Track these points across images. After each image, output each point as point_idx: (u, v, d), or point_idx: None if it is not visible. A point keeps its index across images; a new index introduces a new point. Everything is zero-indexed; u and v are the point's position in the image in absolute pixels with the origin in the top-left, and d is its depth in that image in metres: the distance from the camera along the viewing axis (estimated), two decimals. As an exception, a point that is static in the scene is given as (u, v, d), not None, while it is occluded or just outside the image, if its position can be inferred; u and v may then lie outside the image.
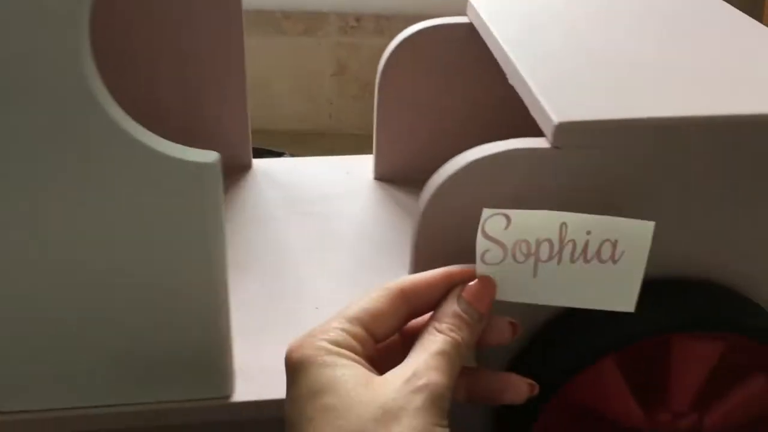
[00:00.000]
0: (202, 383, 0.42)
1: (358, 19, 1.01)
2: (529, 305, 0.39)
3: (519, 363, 0.46)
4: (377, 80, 0.61)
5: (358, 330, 0.35)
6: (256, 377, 0.45)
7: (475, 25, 0.56)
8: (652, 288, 0.44)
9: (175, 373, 0.42)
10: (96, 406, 0.42)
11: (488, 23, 0.53)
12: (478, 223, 0.39)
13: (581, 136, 0.40)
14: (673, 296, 0.45)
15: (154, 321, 0.40)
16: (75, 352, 0.40)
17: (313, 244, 0.57)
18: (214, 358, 0.42)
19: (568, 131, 0.40)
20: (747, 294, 0.47)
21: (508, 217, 0.37)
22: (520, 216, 0.37)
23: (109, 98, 0.34)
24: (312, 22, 1.01)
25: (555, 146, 0.40)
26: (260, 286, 0.52)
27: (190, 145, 0.47)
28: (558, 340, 0.45)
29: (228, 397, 0.43)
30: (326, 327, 0.34)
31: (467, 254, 0.39)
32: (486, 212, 0.38)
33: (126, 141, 0.34)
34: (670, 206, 0.43)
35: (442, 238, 0.42)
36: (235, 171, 0.66)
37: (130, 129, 0.34)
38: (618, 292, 0.39)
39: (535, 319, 0.45)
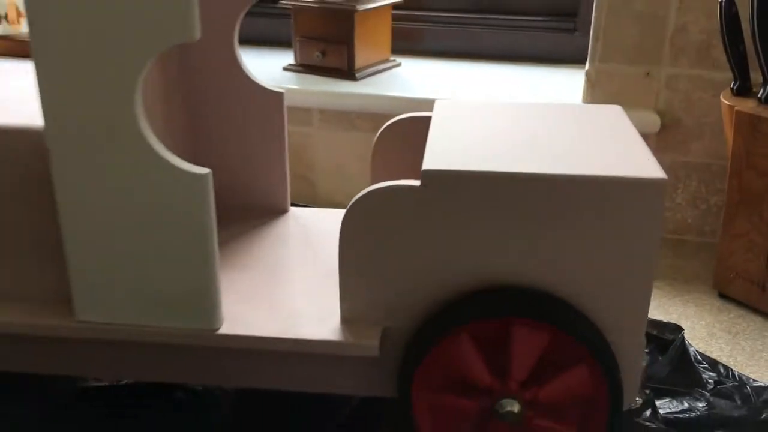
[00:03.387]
0: (196, 316, 0.67)
1: (412, 120, 1.27)
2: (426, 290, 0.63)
3: (422, 326, 0.68)
4: (373, 151, 0.87)
5: None
6: (239, 322, 0.70)
7: (434, 117, 0.81)
8: (495, 289, 0.65)
9: (180, 309, 0.67)
10: (129, 324, 0.68)
11: (433, 115, 0.78)
12: (379, 230, 0.64)
13: (436, 178, 0.63)
14: (507, 291, 0.66)
15: (164, 273, 0.66)
16: (121, 290, 0.67)
17: (305, 263, 0.82)
18: (206, 302, 0.67)
19: (429, 175, 0.63)
20: (573, 303, 0.66)
21: None
22: None
23: (148, 132, 0.62)
24: (378, 120, 1.28)
25: (423, 185, 0.64)
26: (258, 281, 0.77)
27: (245, 196, 0.76)
28: (435, 312, 0.67)
29: (215, 330, 0.68)
30: None
31: (372, 251, 0.65)
32: None
33: (153, 158, 0.62)
34: (495, 233, 0.64)
35: (357, 240, 0.66)
36: (274, 213, 0.93)
37: (157, 150, 0.62)
38: None
39: (433, 301, 0.67)
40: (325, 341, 0.67)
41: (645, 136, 1.17)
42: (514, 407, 0.66)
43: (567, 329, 0.64)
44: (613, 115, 0.79)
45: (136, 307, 0.68)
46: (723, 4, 0.91)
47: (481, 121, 0.76)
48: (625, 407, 0.70)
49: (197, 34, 0.59)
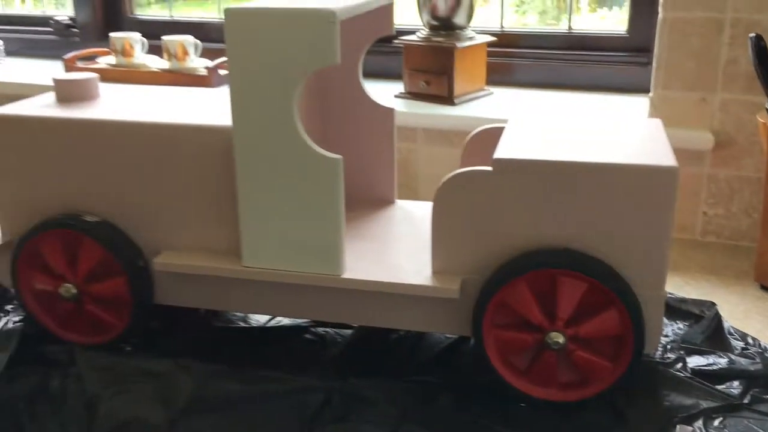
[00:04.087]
0: (327, 265, 0.93)
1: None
2: (495, 250, 0.87)
3: (491, 277, 0.90)
4: (462, 152, 1.11)
5: None
6: (357, 271, 0.95)
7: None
8: (545, 250, 0.88)
9: (316, 258, 0.93)
10: (280, 269, 0.94)
11: (507, 124, 1.01)
12: (464, 208, 0.88)
13: (503, 165, 0.86)
14: (555, 251, 0.87)
15: (306, 232, 0.92)
16: (276, 243, 0.93)
17: (406, 235, 1.06)
18: (334, 254, 0.92)
19: (498, 163, 0.87)
20: (606, 262, 0.87)
21: None
22: None
23: (302, 130, 0.88)
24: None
25: (494, 170, 0.87)
26: (370, 245, 1.02)
27: (361, 189, 1.02)
28: (501, 266, 0.89)
29: (339, 275, 0.93)
30: None
31: (456, 220, 0.88)
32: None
33: (304, 148, 0.88)
34: (547, 207, 0.86)
35: (445, 211, 0.90)
36: (384, 203, 1.19)
37: (308, 142, 0.88)
38: None
39: (499, 258, 0.90)
40: (419, 285, 0.92)
41: (701, 153, 1.37)
42: (560, 339, 0.88)
43: (601, 280, 0.86)
44: (652, 125, 1.00)
45: (286, 256, 0.94)
46: (753, 38, 1.11)
47: (542, 128, 0.99)
48: (649, 349, 0.90)
49: (338, 60, 0.85)
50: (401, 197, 1.24)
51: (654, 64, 1.36)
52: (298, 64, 0.86)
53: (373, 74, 1.78)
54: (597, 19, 2.09)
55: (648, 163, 0.84)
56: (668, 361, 1.00)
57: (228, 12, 0.87)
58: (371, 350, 1.05)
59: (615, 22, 1.95)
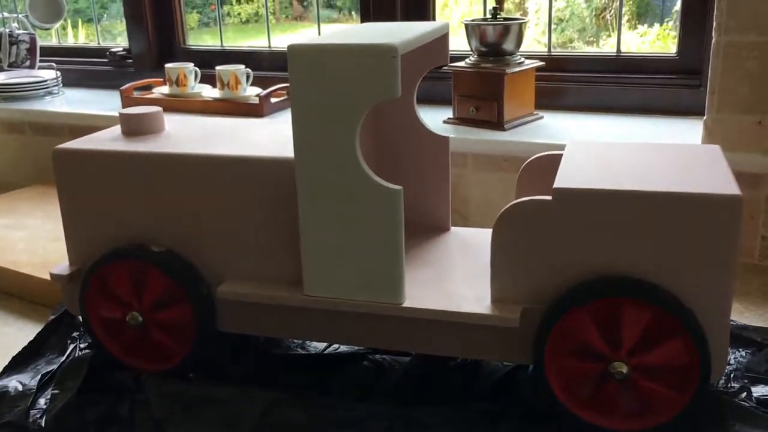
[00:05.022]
0: (388, 294, 0.94)
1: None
2: (556, 278, 0.87)
3: (552, 305, 0.90)
4: (517, 179, 1.11)
5: None
6: (417, 300, 0.96)
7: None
8: (608, 278, 0.88)
9: (377, 288, 0.94)
10: (342, 298, 0.96)
11: (564, 151, 1.02)
12: (524, 237, 0.88)
13: (563, 195, 0.87)
14: (617, 280, 0.87)
15: (367, 261, 0.93)
16: (338, 273, 0.95)
17: (464, 263, 1.07)
18: (395, 283, 0.93)
19: (558, 192, 0.87)
20: (671, 290, 0.87)
21: None
22: None
23: (363, 161, 0.90)
24: (522, 163, 1.52)
25: (554, 199, 0.88)
26: (429, 273, 1.03)
27: (418, 216, 1.03)
28: (562, 295, 0.89)
29: (400, 303, 0.94)
30: None
31: (515, 248, 0.89)
32: None
33: (365, 179, 0.90)
34: (608, 236, 0.86)
35: (504, 240, 0.91)
36: (439, 230, 1.20)
37: (369, 173, 0.90)
38: None
39: (561, 287, 0.90)
40: (480, 314, 0.92)
41: (758, 177, 1.35)
42: (623, 369, 0.87)
43: (665, 309, 0.85)
44: (710, 151, 1.00)
45: (347, 285, 0.95)
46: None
47: (600, 155, 0.99)
48: (715, 378, 0.89)
49: (399, 93, 0.87)
50: (452, 223, 1.24)
51: (708, 87, 1.35)
52: (360, 98, 0.88)
53: (421, 100, 1.80)
54: (636, 37, 2.09)
55: (712, 192, 0.84)
56: (732, 390, 0.99)
57: (291, 48, 0.89)
58: (430, 377, 1.06)
59: (656, 38, 1.95)
